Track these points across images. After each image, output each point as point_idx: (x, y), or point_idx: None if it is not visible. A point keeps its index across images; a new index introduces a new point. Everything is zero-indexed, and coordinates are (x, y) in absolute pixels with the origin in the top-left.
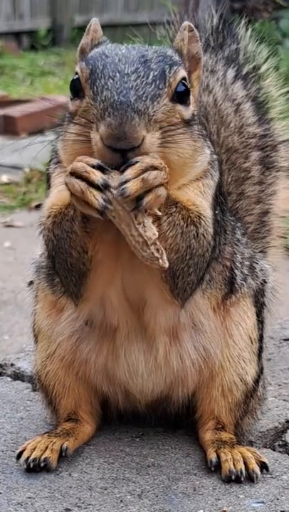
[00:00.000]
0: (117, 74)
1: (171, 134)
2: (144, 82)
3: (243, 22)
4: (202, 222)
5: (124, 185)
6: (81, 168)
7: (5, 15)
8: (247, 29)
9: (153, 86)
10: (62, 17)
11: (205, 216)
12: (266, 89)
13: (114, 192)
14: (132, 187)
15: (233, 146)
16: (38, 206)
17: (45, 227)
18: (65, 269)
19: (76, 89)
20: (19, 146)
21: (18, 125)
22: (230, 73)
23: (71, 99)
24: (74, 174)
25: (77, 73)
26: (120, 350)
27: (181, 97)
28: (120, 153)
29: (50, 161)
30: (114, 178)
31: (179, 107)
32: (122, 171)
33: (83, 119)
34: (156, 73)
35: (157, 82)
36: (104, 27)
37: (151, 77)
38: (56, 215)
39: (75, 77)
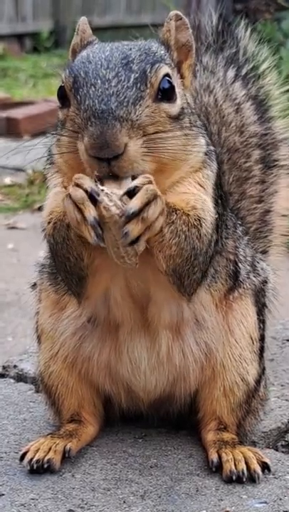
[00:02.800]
0: (98, 81)
1: (156, 141)
2: (125, 87)
3: (242, 22)
4: (202, 223)
5: (126, 229)
6: (79, 199)
7: (7, 17)
8: (246, 29)
9: (134, 89)
10: (65, 19)
11: (204, 218)
12: (266, 88)
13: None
14: (134, 232)
15: (234, 145)
16: (41, 208)
17: (47, 231)
18: (65, 271)
19: (62, 97)
20: (22, 148)
21: (21, 127)
22: (230, 73)
23: (60, 108)
24: (72, 201)
25: (62, 82)
26: (123, 347)
27: (165, 94)
28: (106, 162)
29: (46, 160)
30: (112, 195)
31: (164, 106)
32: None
33: (71, 129)
34: (136, 75)
35: (138, 84)
36: (106, 28)
37: (132, 80)
38: (56, 222)
39: (61, 85)
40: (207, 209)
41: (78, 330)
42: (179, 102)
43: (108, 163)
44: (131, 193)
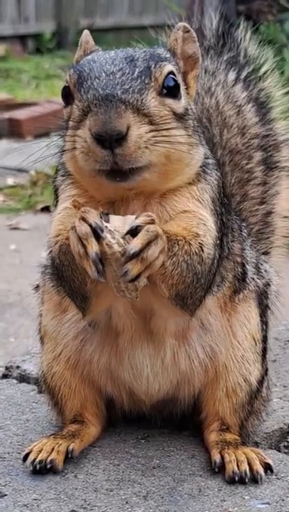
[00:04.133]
0: (103, 74)
1: (162, 128)
2: (130, 78)
3: (243, 24)
4: (204, 249)
5: (126, 268)
6: (84, 234)
7: (10, 18)
8: (247, 31)
9: (139, 81)
10: (68, 20)
11: (206, 243)
12: (267, 90)
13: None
14: (134, 270)
15: (236, 147)
16: (43, 209)
17: (53, 251)
18: (70, 289)
19: (67, 96)
20: (25, 149)
21: (24, 128)
22: (231, 76)
23: (64, 108)
24: (77, 234)
25: (66, 81)
26: (124, 353)
27: (170, 91)
28: (109, 150)
29: (56, 172)
30: (115, 233)
31: (169, 101)
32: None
33: (76, 123)
34: (141, 69)
35: (143, 77)
36: (109, 30)
37: (136, 73)
38: (62, 245)
39: (65, 85)
40: (208, 231)
41: (80, 333)
42: (183, 101)
43: (111, 151)
44: (133, 232)
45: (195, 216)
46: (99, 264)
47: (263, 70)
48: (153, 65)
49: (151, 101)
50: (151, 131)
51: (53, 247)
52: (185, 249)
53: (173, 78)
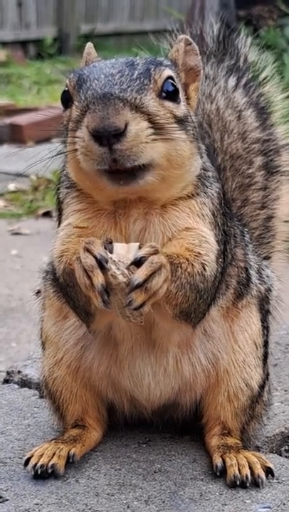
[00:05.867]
0: (102, 75)
1: (162, 127)
2: (129, 79)
3: (244, 31)
4: (207, 268)
5: (131, 297)
6: (89, 267)
7: (11, 24)
8: (247, 38)
9: (138, 81)
10: (68, 26)
11: (209, 261)
12: (267, 96)
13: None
14: (138, 300)
15: (236, 152)
16: (45, 214)
17: (57, 271)
18: (74, 306)
19: (66, 100)
20: (26, 154)
21: (25, 133)
22: (231, 82)
23: (64, 112)
24: (82, 266)
25: (66, 85)
26: (124, 362)
27: (169, 95)
28: (107, 147)
29: (59, 183)
30: (119, 264)
31: (168, 104)
32: (128, 266)
33: (75, 124)
34: (141, 71)
35: (142, 78)
36: (109, 35)
37: (136, 74)
38: (66, 267)
39: (64, 90)
40: (210, 248)
41: (80, 340)
42: (183, 106)
43: (109, 148)
44: (138, 263)
45: (197, 233)
46: (104, 295)
47: (263, 75)
48: (152, 68)
49: (151, 101)
50: (151, 128)
51: (57, 267)
52: (188, 272)
53: (172, 83)
